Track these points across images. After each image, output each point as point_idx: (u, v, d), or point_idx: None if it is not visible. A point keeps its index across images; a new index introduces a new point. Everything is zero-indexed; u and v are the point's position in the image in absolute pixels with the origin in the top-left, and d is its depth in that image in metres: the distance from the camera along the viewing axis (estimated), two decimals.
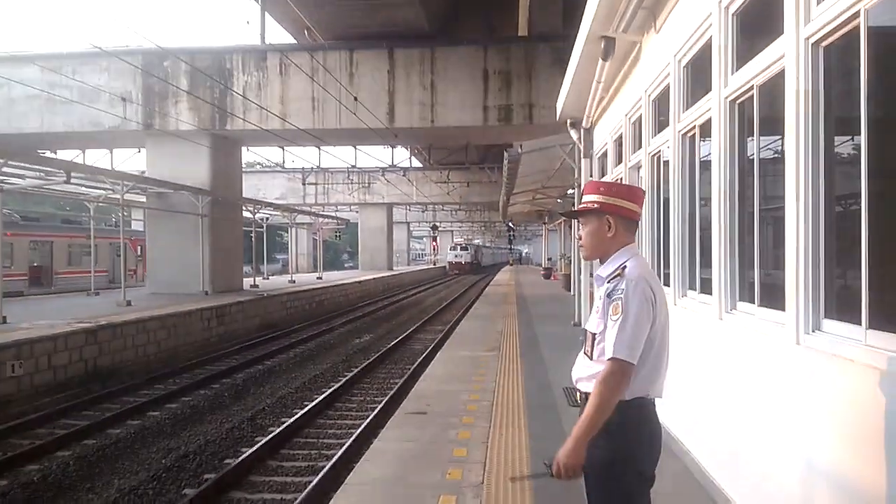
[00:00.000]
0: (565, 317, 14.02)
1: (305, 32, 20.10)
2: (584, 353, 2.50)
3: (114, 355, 12.05)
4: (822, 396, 2.74)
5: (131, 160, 23.21)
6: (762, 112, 3.53)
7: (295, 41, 21.10)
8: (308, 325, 19.48)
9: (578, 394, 2.52)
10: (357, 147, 29.21)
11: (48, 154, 21.46)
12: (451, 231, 73.83)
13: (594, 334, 2.42)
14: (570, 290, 18.01)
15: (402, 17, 17.32)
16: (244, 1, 18.94)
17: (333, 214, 42.19)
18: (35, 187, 15.46)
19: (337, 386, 10.85)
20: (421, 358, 13.12)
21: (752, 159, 3.74)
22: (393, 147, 31.96)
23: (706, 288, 4.49)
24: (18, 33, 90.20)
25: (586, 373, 2.45)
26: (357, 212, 43.82)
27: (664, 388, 2.46)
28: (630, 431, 2.34)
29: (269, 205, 27.51)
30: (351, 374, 11.82)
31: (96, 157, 25.93)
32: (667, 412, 5.33)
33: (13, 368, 9.53)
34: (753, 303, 3.67)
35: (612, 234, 2.49)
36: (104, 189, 17.33)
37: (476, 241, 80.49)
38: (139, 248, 27.77)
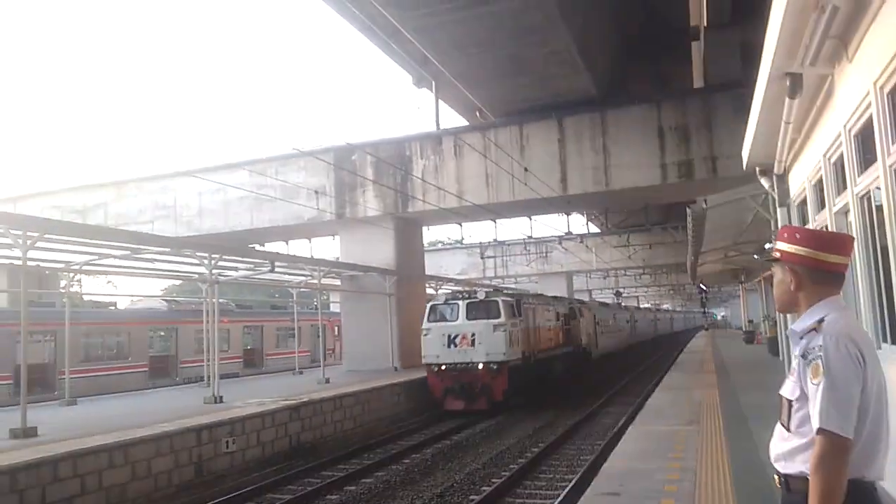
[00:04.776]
0: (774, 385, 12.56)
1: (477, 114, 21.00)
2: (781, 423, 2.17)
3: (314, 431, 12.75)
4: None
5: (328, 247, 25.33)
6: None
7: (467, 122, 22.07)
8: None
9: (776, 476, 2.16)
10: (532, 217, 29.43)
11: (257, 247, 24.07)
12: (637, 296, 70.70)
13: (790, 401, 2.10)
14: (777, 355, 16.24)
15: (568, 86, 17.46)
16: (419, 90, 20.27)
17: (513, 286, 42.47)
18: (245, 277, 17.28)
19: (525, 462, 10.53)
20: (612, 433, 12.39)
21: None
22: (568, 214, 31.79)
23: None
24: (230, 143, 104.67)
25: (784, 447, 2.12)
26: (537, 282, 43.76)
27: (886, 468, 2.01)
28: None
29: (450, 280, 28.36)
30: (538, 450, 11.43)
31: (298, 247, 28.53)
32: None
33: (227, 444, 10.40)
34: None
35: (795, 287, 2.19)
36: (304, 275, 18.91)
37: (527, 290, 32.57)
38: (336, 328, 29.78)
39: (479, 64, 16.16)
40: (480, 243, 39.78)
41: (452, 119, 29.41)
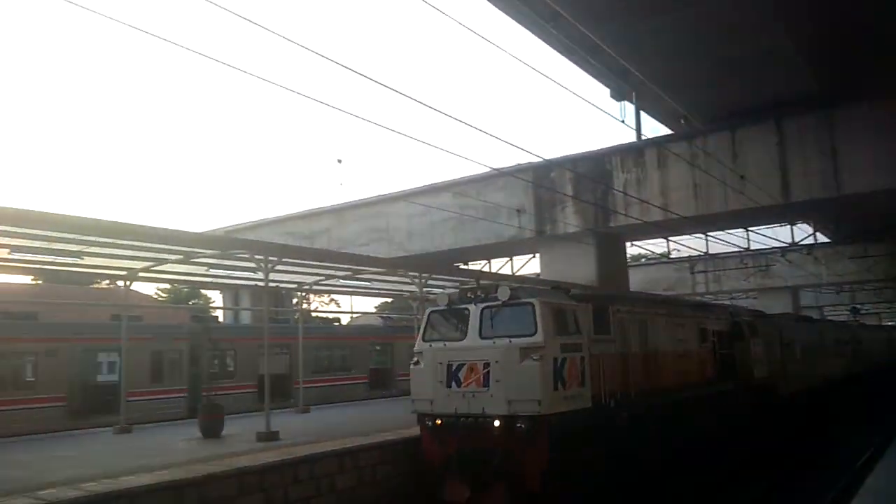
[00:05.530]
0: None
1: (681, 121, 20.03)
2: None
3: None
4: None
5: (528, 266, 25.59)
6: None
7: (669, 132, 21.16)
8: None
9: None
10: (749, 229, 27.21)
11: (461, 265, 25.01)
12: (878, 313, 61.92)
13: None
14: None
15: (786, 86, 16.08)
16: (619, 102, 19.83)
17: (727, 303, 39.50)
18: None
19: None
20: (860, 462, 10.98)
21: None
22: (793, 224, 28.94)
23: None
24: (434, 167, 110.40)
25: None
26: (755, 298, 40.26)
27: None
28: None
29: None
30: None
31: (497, 266, 29.14)
32: None
33: None
34: None
35: None
36: None
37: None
38: None
39: (683, 69, 15.49)
40: (689, 257, 37.55)
41: (652, 129, 28.30)
